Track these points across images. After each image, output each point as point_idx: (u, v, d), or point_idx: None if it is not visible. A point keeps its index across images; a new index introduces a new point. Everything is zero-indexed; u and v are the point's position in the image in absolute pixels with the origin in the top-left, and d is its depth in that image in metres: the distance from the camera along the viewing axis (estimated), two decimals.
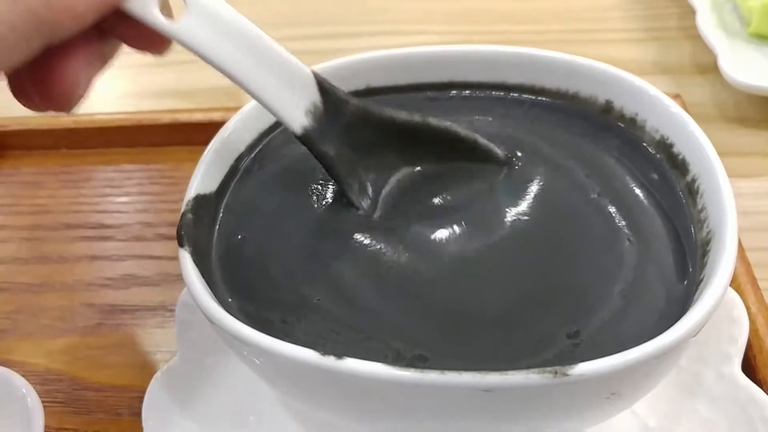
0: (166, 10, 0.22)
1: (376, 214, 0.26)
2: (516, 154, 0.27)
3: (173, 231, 0.40)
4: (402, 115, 0.27)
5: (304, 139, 0.25)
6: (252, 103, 0.29)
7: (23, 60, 0.19)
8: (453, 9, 0.55)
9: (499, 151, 0.27)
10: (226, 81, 0.55)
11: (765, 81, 0.41)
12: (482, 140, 0.27)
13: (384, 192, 0.26)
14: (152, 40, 0.23)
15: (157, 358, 0.33)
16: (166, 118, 0.44)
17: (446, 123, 0.27)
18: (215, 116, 0.43)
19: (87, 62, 0.22)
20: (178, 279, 0.37)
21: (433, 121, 0.27)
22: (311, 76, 0.25)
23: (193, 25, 0.22)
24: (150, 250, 0.39)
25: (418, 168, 0.27)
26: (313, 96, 0.25)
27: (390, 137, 0.27)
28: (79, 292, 0.37)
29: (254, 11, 0.56)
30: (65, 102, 0.22)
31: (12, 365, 0.33)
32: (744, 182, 0.39)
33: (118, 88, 0.53)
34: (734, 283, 0.30)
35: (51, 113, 0.23)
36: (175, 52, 0.60)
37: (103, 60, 0.24)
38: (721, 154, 0.40)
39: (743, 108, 0.43)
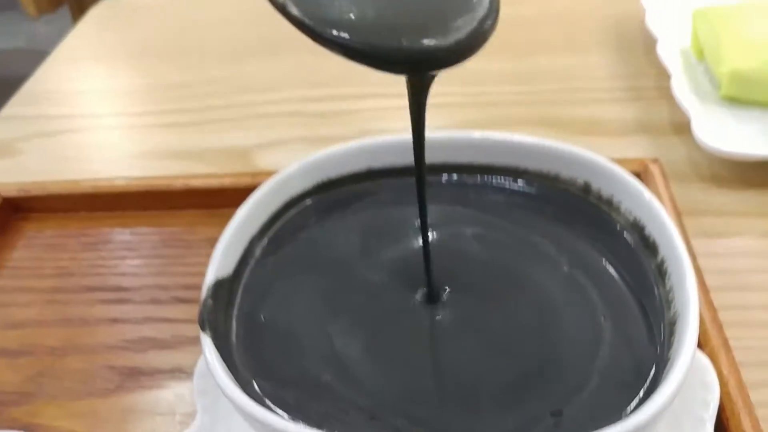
0: None
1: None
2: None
3: (188, 294, 0.43)
4: None
5: None
6: (262, 189, 0.32)
7: None
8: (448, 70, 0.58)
9: None
10: (237, 142, 0.58)
11: (734, 145, 0.43)
12: None
13: None
14: None
15: (176, 419, 0.36)
16: (180, 184, 0.47)
17: None
18: (226, 182, 0.46)
19: None
20: (193, 341, 0.40)
21: None
22: None
23: None
24: (165, 313, 0.41)
25: None
26: None
27: None
28: (100, 355, 0.39)
29: (263, 71, 0.61)
30: None
31: (37, 428, 0.36)
32: (718, 241, 0.42)
33: (133, 149, 0.56)
34: (707, 347, 0.33)
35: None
36: (189, 113, 0.64)
37: None
38: (696, 213, 0.43)
39: (717, 168, 0.46)
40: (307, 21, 0.22)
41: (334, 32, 0.22)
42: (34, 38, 2.29)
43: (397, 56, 0.23)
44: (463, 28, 0.23)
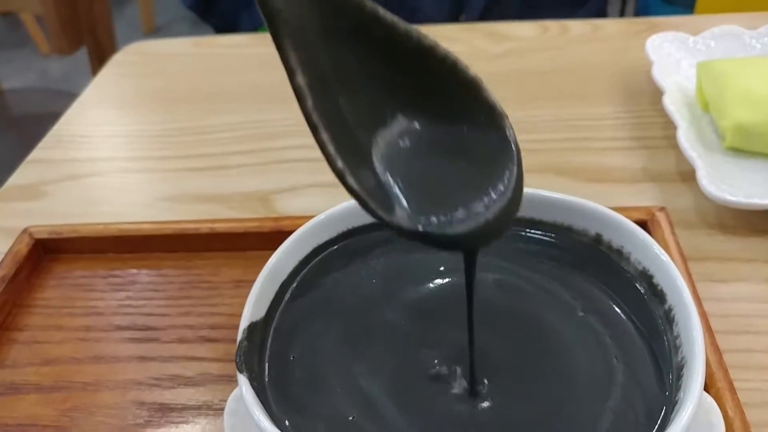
0: None
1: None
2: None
3: (213, 334, 0.45)
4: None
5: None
6: (291, 238, 0.34)
7: None
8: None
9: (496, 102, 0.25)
10: (258, 187, 0.61)
11: (738, 195, 0.45)
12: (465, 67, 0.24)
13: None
14: None
15: None
16: (206, 228, 0.49)
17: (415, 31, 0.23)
18: (250, 226, 0.48)
19: None
20: (219, 379, 0.41)
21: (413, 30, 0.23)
22: None
23: None
24: (192, 352, 0.43)
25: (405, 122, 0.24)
26: None
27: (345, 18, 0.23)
28: (131, 391, 0.41)
29: (283, 118, 0.63)
30: None
31: None
32: (723, 286, 0.43)
33: (156, 192, 0.58)
34: (713, 389, 0.35)
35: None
36: (211, 158, 0.66)
37: None
38: (702, 259, 0.45)
39: (722, 215, 0.48)
40: (368, 201, 0.23)
41: (393, 219, 0.23)
42: (45, 75, 2.34)
43: (451, 243, 0.24)
44: (497, 204, 0.24)
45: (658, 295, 0.31)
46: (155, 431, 0.39)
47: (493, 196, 0.23)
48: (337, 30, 0.22)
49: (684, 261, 0.42)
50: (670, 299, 0.30)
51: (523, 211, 0.34)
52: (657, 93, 0.57)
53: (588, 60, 0.69)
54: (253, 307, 0.31)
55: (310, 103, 0.22)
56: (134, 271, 0.49)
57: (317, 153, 0.65)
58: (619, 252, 0.33)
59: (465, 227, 0.23)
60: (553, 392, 0.29)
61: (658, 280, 0.31)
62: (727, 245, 0.46)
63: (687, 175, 0.51)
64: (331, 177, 0.61)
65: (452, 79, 0.23)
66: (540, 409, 0.28)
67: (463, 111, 0.24)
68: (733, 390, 0.35)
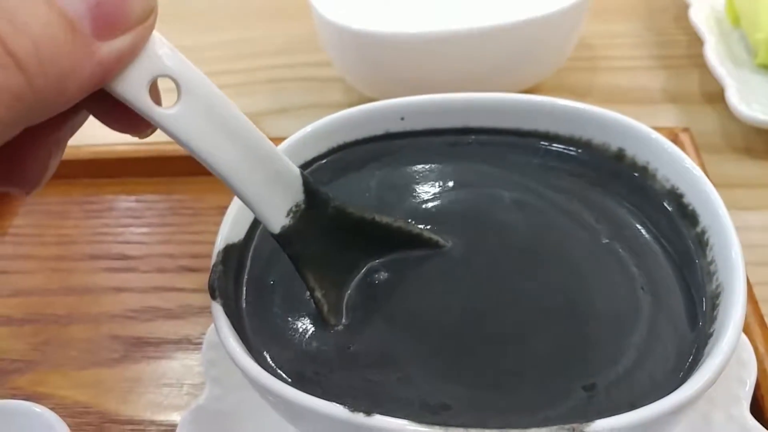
0: (155, 93, 0.20)
1: (343, 322, 0.26)
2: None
3: (195, 263, 0.42)
4: (370, 215, 0.26)
5: (281, 238, 0.24)
6: None
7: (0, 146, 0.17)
8: None
9: (441, 240, 0.28)
10: (245, 109, 0.56)
11: None
12: (427, 233, 0.27)
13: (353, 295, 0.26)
14: (134, 124, 0.21)
15: (183, 391, 0.35)
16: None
17: (403, 222, 0.27)
18: None
19: (58, 142, 0.21)
20: (201, 312, 0.38)
21: (396, 221, 0.27)
22: (299, 176, 0.24)
23: (184, 115, 0.20)
24: (172, 282, 0.40)
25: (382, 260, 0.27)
26: (298, 196, 0.25)
27: (358, 236, 0.26)
28: (105, 324, 0.38)
29: (273, 35, 0.58)
30: (33, 184, 0.21)
31: (42, 397, 0.35)
32: (751, 215, 0.40)
33: None
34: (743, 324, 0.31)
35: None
36: None
37: (72, 134, 0.22)
38: (728, 185, 0.41)
39: (751, 139, 0.44)
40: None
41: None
42: None
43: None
44: None
45: (688, 216, 0.27)
46: (131, 366, 0.36)
47: None
48: (346, 243, 0.26)
49: None
50: (704, 220, 0.26)
51: (536, 123, 0.31)
52: (682, 7, 0.52)
53: None
54: (230, 228, 0.27)
55: (326, 309, 0.25)
56: (111, 197, 0.46)
57: (308, 72, 0.60)
58: (644, 168, 0.29)
59: None
60: (569, 326, 0.25)
61: (689, 199, 0.27)
62: (756, 171, 0.43)
63: (713, 96, 0.47)
64: (323, 98, 0.57)
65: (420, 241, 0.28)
66: (554, 345, 0.24)
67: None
68: (764, 325, 0.32)
